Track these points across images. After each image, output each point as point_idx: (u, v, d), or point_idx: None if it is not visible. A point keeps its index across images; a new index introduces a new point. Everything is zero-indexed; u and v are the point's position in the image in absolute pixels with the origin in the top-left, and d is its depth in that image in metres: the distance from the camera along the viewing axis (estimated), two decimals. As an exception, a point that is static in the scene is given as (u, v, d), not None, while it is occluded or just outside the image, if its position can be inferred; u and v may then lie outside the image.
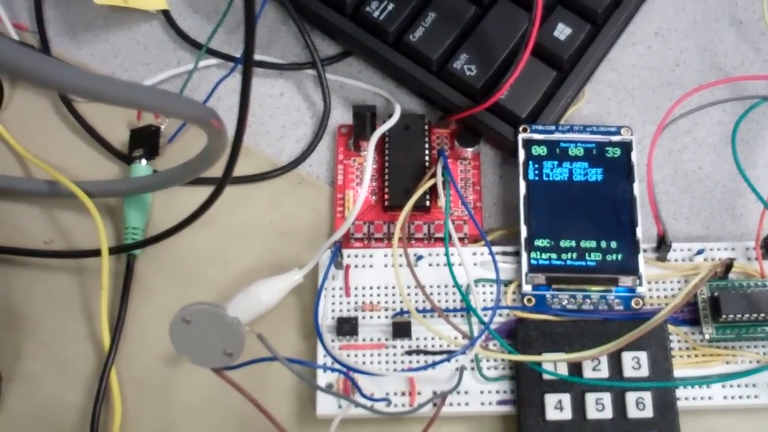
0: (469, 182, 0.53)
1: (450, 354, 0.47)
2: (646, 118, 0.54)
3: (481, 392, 0.48)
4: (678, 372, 0.48)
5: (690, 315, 0.49)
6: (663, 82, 0.56)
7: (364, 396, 0.45)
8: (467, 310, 0.48)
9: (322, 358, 0.48)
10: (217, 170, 0.47)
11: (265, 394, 0.46)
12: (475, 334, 0.47)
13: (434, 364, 0.46)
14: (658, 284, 0.50)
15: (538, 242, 0.49)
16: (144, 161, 0.53)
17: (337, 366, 0.46)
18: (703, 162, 0.54)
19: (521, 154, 0.50)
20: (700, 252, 0.50)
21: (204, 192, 0.48)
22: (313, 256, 0.50)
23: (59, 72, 0.30)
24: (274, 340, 0.44)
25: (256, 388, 0.45)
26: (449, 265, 0.48)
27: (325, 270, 0.48)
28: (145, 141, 0.54)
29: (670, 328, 0.48)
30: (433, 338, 0.48)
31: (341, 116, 0.55)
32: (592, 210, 0.50)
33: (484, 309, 0.48)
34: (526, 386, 0.47)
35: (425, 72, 0.53)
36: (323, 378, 0.48)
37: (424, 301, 0.48)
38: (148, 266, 0.52)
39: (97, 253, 0.51)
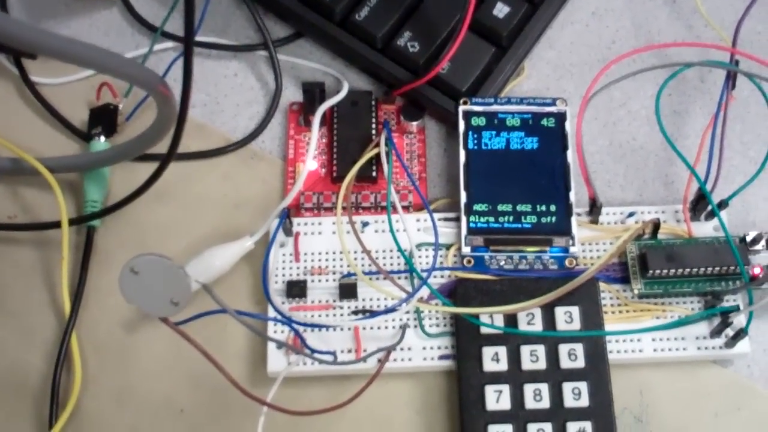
0: (414, 155, 0.56)
1: (390, 308, 0.49)
2: (583, 92, 0.57)
3: (423, 348, 0.50)
4: (610, 327, 0.50)
5: (621, 273, 0.51)
6: (600, 58, 0.59)
7: (311, 350, 0.47)
8: (410, 272, 0.51)
9: (272, 325, 0.51)
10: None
11: (217, 354, 0.48)
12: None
13: (378, 313, 0.49)
14: (591, 245, 0.52)
15: (477, 207, 0.52)
16: (102, 138, 0.56)
17: (284, 319, 0.48)
18: (637, 133, 0.57)
19: (461, 125, 0.53)
20: (631, 215, 0.53)
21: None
22: (264, 223, 0.52)
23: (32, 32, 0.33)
24: (229, 302, 0.47)
25: (207, 347, 0.47)
26: (391, 230, 0.50)
27: (273, 233, 0.51)
28: (104, 119, 0.57)
29: (603, 285, 0.51)
30: (377, 299, 0.51)
31: (293, 95, 0.58)
32: (528, 176, 0.52)
33: (425, 270, 0.50)
34: (465, 340, 0.49)
35: (371, 49, 0.56)
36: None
37: (370, 265, 0.51)
38: (107, 238, 0.55)
39: (57, 225, 0.53)
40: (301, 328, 0.49)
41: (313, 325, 0.49)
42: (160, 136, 0.49)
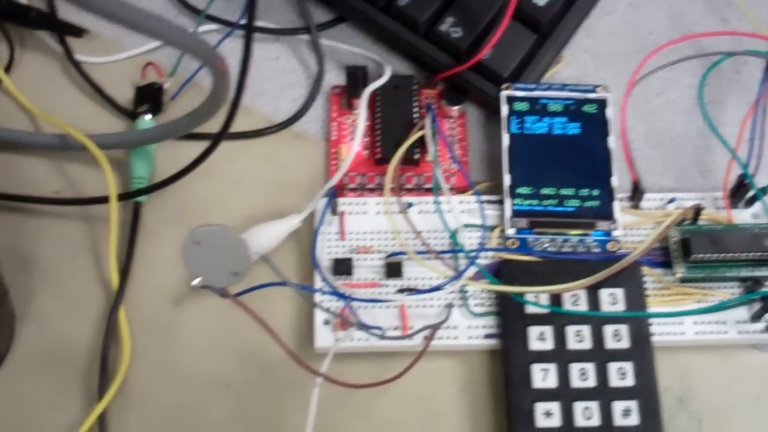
0: (455, 139, 0.57)
1: (438, 286, 0.50)
2: (621, 81, 0.58)
3: (468, 327, 0.51)
4: (652, 310, 0.51)
5: (663, 258, 0.52)
6: (636, 48, 0.60)
7: (362, 323, 0.48)
8: (454, 252, 0.51)
9: (319, 296, 0.52)
10: (215, 126, 0.51)
11: (264, 329, 0.49)
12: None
13: (426, 291, 0.49)
14: (633, 230, 0.53)
15: (520, 190, 0.53)
16: (149, 116, 0.56)
17: (337, 293, 0.50)
18: (674, 121, 0.58)
19: (504, 109, 0.54)
20: (671, 201, 0.54)
21: (204, 146, 0.53)
22: (310, 203, 0.53)
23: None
24: (273, 279, 0.48)
25: (255, 322, 0.48)
26: (438, 210, 0.52)
27: (322, 211, 0.52)
28: (149, 98, 0.58)
29: (645, 270, 0.52)
30: (422, 278, 0.51)
31: (334, 78, 0.59)
32: (571, 161, 0.53)
33: (472, 250, 0.51)
34: (511, 320, 0.50)
35: (413, 34, 0.57)
36: (320, 315, 0.51)
37: (413, 245, 0.51)
38: (153, 214, 0.55)
39: (104, 200, 0.54)
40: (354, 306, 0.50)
41: (365, 300, 0.49)
42: (211, 113, 0.50)
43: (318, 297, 0.51)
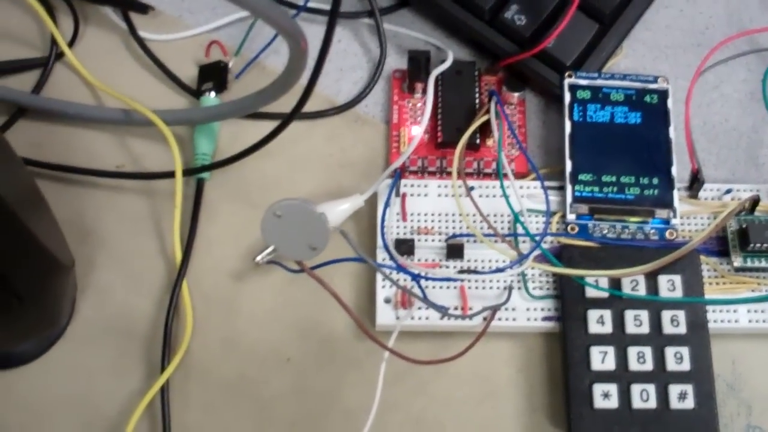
0: (515, 126, 0.58)
1: (502, 268, 0.51)
2: (678, 73, 0.59)
3: (527, 309, 0.52)
4: (708, 298, 0.52)
5: (720, 247, 0.53)
6: (693, 42, 0.61)
7: (428, 300, 0.49)
8: (515, 235, 0.52)
9: (380, 280, 0.53)
10: (280, 106, 0.53)
11: (326, 307, 0.51)
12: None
13: (490, 272, 0.50)
14: (690, 219, 0.54)
15: (582, 176, 0.53)
16: (213, 94, 0.57)
17: (405, 270, 0.51)
18: (729, 115, 0.59)
19: (567, 97, 0.55)
20: (728, 191, 0.55)
21: (267, 126, 0.54)
22: (373, 183, 0.53)
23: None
24: (334, 257, 0.49)
25: (318, 300, 0.50)
26: (504, 194, 0.52)
27: (389, 190, 0.52)
28: (214, 76, 0.58)
29: (702, 258, 0.52)
30: (482, 260, 0.52)
31: (395, 62, 0.60)
32: (632, 150, 0.54)
33: (536, 235, 0.52)
34: (571, 303, 0.51)
35: (478, 20, 0.58)
36: (382, 293, 0.52)
37: (481, 228, 0.52)
38: (215, 191, 0.56)
39: (169, 174, 0.54)
40: (411, 285, 0.52)
41: (430, 278, 0.50)
42: (282, 93, 0.51)
43: (380, 276, 0.52)
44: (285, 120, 0.50)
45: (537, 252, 0.51)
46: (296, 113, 0.49)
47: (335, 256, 0.50)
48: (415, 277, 0.50)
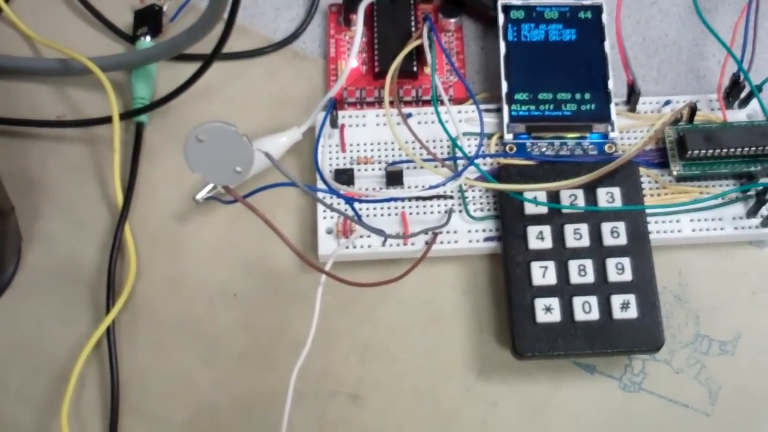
0: (452, 52, 0.57)
1: (436, 185, 0.51)
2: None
3: (469, 231, 0.52)
4: (650, 210, 0.52)
5: (659, 159, 0.53)
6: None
7: (365, 224, 0.49)
8: (455, 159, 0.52)
9: (321, 211, 0.53)
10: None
11: (270, 243, 0.51)
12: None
13: (431, 188, 0.50)
14: (630, 133, 0.54)
15: (518, 96, 0.53)
16: (148, 38, 0.57)
17: (342, 195, 0.52)
18: (669, 30, 0.59)
19: (501, 18, 0.55)
20: (667, 103, 0.54)
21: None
22: (310, 116, 0.53)
23: None
24: (276, 195, 0.50)
25: (261, 236, 0.50)
26: (439, 118, 0.52)
27: (323, 119, 0.52)
28: (149, 20, 0.58)
29: (642, 170, 0.52)
30: (423, 186, 0.52)
31: (330, -1, 0.60)
32: (567, 66, 0.54)
33: (470, 156, 0.52)
34: (510, 220, 0.51)
35: (409, -53, 0.57)
36: (323, 224, 0.52)
37: (420, 154, 0.52)
38: (156, 135, 0.56)
39: (107, 120, 0.55)
40: (345, 208, 0.52)
41: (368, 201, 0.50)
42: (208, 29, 0.51)
43: (321, 207, 0.53)
44: (209, 57, 0.50)
45: (476, 174, 0.50)
46: (219, 50, 0.50)
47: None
48: (348, 201, 0.50)
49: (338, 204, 0.52)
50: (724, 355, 0.50)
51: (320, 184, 0.52)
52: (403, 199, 0.51)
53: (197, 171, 0.42)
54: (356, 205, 0.51)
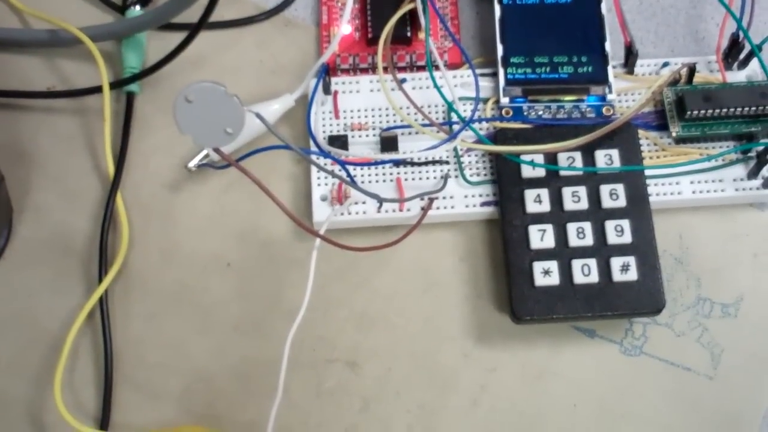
0: (447, 17, 0.56)
1: (432, 146, 0.50)
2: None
3: (465, 196, 0.51)
4: (649, 172, 0.51)
5: (659, 121, 0.52)
6: None
7: (359, 187, 0.48)
8: (452, 123, 0.51)
9: (315, 175, 0.52)
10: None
11: (264, 211, 0.51)
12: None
13: (425, 150, 0.49)
14: (628, 95, 0.53)
15: (514, 59, 0.52)
16: (138, 7, 0.56)
17: (335, 158, 0.51)
18: (667, -9, 0.57)
19: (495, -21, 0.54)
20: (665, 65, 0.54)
21: (195, 38, 0.52)
22: (303, 82, 0.52)
23: None
24: (269, 164, 0.49)
25: (255, 204, 0.50)
26: (434, 82, 0.51)
27: (315, 85, 0.51)
28: (139, -10, 0.57)
29: (641, 133, 0.51)
30: (418, 151, 0.51)
31: (323, -37, 0.59)
32: (564, 29, 0.53)
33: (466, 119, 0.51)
34: (507, 184, 0.50)
35: None
36: (318, 191, 0.51)
37: (415, 119, 0.51)
38: (147, 105, 0.55)
39: (97, 90, 0.54)
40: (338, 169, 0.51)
41: (362, 164, 0.49)
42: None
43: (315, 174, 0.52)
44: (198, 24, 0.50)
45: (472, 139, 0.49)
46: (207, 17, 0.49)
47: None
48: (342, 163, 0.49)
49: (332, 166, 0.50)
50: (726, 317, 0.49)
51: (314, 147, 0.51)
52: (399, 162, 0.50)
53: (187, 133, 0.41)
54: (351, 170, 0.49)
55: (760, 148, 0.49)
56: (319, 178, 0.51)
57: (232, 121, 0.41)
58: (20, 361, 0.49)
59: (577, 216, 0.49)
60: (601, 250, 0.48)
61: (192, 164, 0.51)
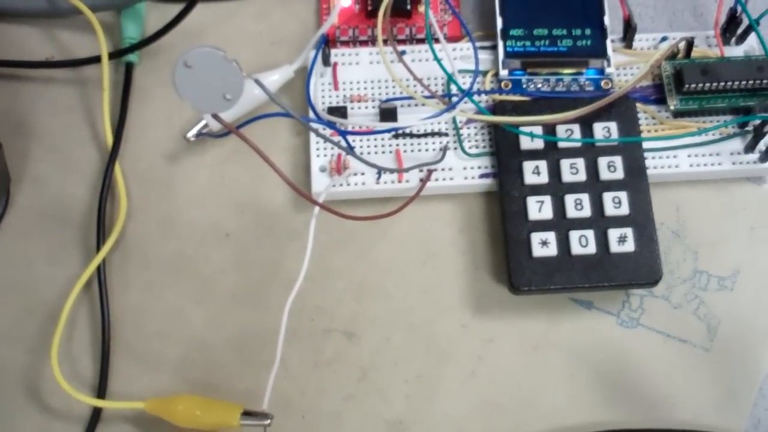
0: (447, -9, 0.56)
1: (430, 116, 0.50)
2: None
3: (464, 168, 0.51)
4: (647, 144, 0.51)
5: (657, 95, 0.52)
6: None
7: (358, 156, 0.48)
8: (451, 95, 0.51)
9: (314, 146, 0.52)
10: None
11: (263, 182, 0.51)
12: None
13: (424, 119, 0.49)
14: (627, 69, 0.53)
15: (513, 32, 0.52)
16: (137, -23, 0.56)
17: (336, 127, 0.51)
18: (666, -33, 0.57)
19: (496, -46, 0.54)
20: (664, 39, 0.54)
21: (194, 9, 0.53)
22: (302, 53, 0.52)
23: None
24: (268, 135, 0.49)
25: (254, 175, 0.51)
26: (434, 54, 0.51)
27: (314, 55, 0.51)
28: (138, -40, 0.57)
29: (640, 107, 0.51)
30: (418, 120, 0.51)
31: (323, -65, 0.59)
32: (563, 2, 0.53)
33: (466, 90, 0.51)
34: (506, 156, 0.50)
35: None
36: (317, 162, 0.51)
37: (415, 91, 0.51)
38: (147, 76, 0.55)
39: (96, 60, 0.54)
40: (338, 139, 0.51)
41: (361, 133, 0.50)
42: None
43: (314, 145, 0.52)
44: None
45: (473, 109, 0.50)
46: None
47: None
48: (342, 133, 0.49)
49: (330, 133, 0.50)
50: (722, 290, 0.49)
51: (312, 116, 0.51)
52: (398, 132, 0.50)
53: (186, 98, 0.41)
54: (350, 140, 0.50)
55: (757, 121, 0.49)
56: (318, 149, 0.51)
57: (231, 87, 0.41)
58: (18, 330, 0.49)
59: (575, 188, 0.49)
60: (599, 222, 0.48)
61: (191, 134, 0.51)
